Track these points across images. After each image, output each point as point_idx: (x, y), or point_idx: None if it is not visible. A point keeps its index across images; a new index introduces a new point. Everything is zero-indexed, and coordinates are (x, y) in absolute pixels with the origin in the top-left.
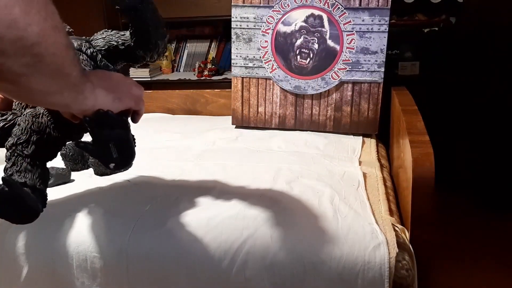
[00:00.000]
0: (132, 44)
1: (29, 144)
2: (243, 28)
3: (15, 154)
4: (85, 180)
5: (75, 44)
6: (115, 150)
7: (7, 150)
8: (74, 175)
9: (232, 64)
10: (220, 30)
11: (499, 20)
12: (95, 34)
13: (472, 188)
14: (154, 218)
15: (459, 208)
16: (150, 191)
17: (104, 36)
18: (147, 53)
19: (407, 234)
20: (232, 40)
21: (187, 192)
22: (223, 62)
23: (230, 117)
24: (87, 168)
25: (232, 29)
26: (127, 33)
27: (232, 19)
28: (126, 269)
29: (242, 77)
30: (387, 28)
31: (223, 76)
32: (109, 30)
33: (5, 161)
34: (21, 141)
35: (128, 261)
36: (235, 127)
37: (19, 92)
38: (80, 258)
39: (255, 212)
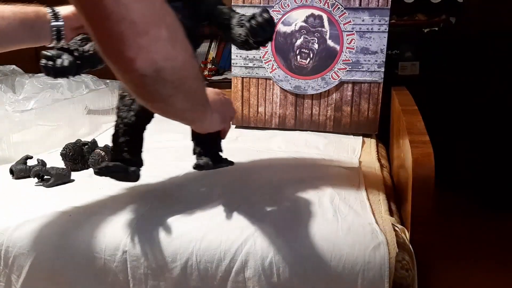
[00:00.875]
0: (239, 40)
1: (145, 122)
2: None
3: (130, 132)
4: (85, 180)
5: None
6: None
7: (124, 125)
8: (74, 175)
9: (232, 64)
10: None
11: (499, 20)
12: None
13: (472, 188)
14: (154, 218)
15: (459, 208)
16: (150, 191)
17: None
18: (241, 47)
19: (407, 234)
20: None
21: (187, 192)
22: (223, 62)
23: None
24: (87, 168)
25: None
26: (241, 33)
27: None
28: (126, 269)
29: (242, 77)
30: (387, 28)
31: (223, 76)
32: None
33: (120, 135)
34: (140, 120)
35: (128, 261)
36: (235, 127)
37: (167, 109)
38: (80, 258)
39: (255, 212)
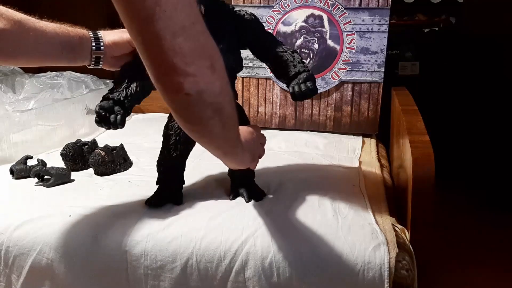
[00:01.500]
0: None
1: (186, 156)
2: None
3: (175, 165)
4: (85, 180)
5: None
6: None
7: (170, 162)
8: (74, 175)
9: None
10: None
11: (499, 19)
12: None
13: (472, 188)
14: (154, 218)
15: (459, 208)
16: (150, 191)
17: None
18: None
19: (407, 234)
20: None
21: (187, 192)
22: None
23: None
24: (87, 168)
25: None
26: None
27: None
28: (126, 269)
29: (242, 77)
30: (387, 28)
31: None
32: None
33: (166, 168)
34: (182, 156)
35: (128, 261)
36: None
37: (204, 133)
38: (80, 258)
39: (255, 212)
